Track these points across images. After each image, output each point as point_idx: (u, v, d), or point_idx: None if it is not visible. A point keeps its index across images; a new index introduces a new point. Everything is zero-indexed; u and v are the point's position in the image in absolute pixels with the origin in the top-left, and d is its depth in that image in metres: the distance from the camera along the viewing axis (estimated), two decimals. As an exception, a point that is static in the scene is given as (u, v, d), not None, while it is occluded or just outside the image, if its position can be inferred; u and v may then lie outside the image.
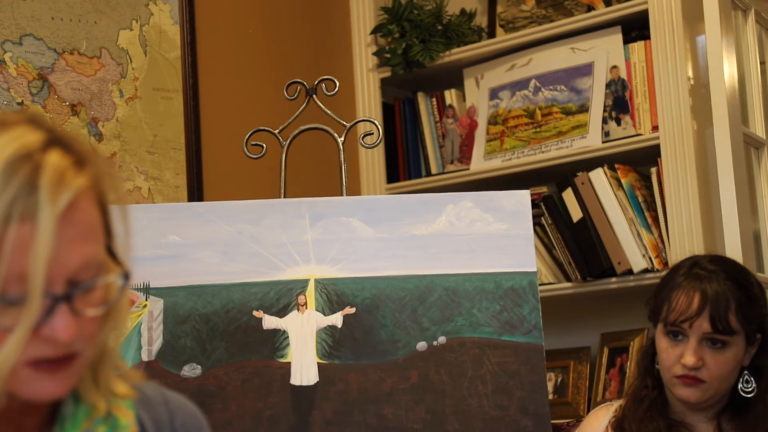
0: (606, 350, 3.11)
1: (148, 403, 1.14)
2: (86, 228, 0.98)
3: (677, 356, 1.96)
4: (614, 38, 3.11)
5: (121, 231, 1.04)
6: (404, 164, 3.47)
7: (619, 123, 3.08)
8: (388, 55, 3.39)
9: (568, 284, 3.08)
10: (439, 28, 3.39)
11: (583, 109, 3.12)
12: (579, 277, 3.04)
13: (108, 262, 1.02)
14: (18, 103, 2.53)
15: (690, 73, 2.93)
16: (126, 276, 1.03)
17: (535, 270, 2.12)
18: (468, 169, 3.31)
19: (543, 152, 3.15)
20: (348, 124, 2.33)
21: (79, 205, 0.97)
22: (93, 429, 1.06)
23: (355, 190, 3.34)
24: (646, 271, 2.95)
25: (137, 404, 1.12)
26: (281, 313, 2.07)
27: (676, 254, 2.83)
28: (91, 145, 1.02)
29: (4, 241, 0.93)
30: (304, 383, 2.04)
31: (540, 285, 2.54)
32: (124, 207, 1.04)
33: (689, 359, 1.94)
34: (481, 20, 3.48)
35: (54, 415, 1.06)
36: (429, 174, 3.42)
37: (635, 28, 3.09)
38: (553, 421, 2.22)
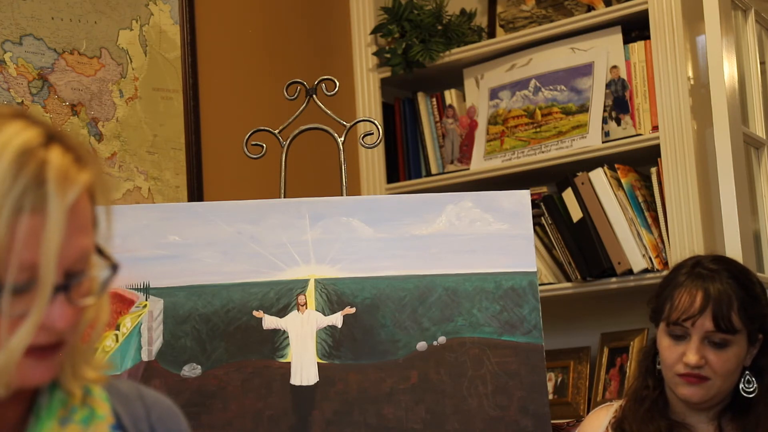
0: (606, 350, 3.11)
1: (124, 399, 1.17)
2: (84, 222, 1.02)
3: (679, 354, 1.96)
4: (614, 38, 3.11)
5: (104, 225, 1.07)
6: (404, 164, 3.47)
7: (619, 123, 3.08)
8: (388, 55, 3.39)
9: (568, 284, 3.08)
10: (439, 28, 3.39)
11: (583, 109, 3.12)
12: (579, 277, 3.04)
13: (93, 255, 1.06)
14: (18, 103, 2.53)
15: (690, 73, 2.93)
16: (114, 268, 1.06)
17: (535, 270, 2.11)
18: (468, 169, 3.31)
19: (543, 152, 3.15)
20: (348, 124, 2.33)
21: (79, 199, 1.01)
22: (69, 417, 1.08)
23: (355, 190, 3.34)
24: (646, 271, 2.95)
25: (113, 399, 1.15)
26: (281, 313, 2.07)
27: (676, 254, 2.83)
28: (82, 141, 1.06)
29: (15, 232, 0.96)
30: (304, 383, 2.04)
31: (540, 285, 2.54)
32: (110, 203, 1.08)
33: (692, 358, 1.94)
34: (481, 20, 3.48)
35: (32, 407, 1.09)
36: (429, 174, 3.42)
37: (635, 28, 3.09)
38: (553, 421, 2.22)
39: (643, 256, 2.94)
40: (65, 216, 0.98)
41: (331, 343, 2.06)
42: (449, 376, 2.05)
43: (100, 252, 1.06)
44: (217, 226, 2.09)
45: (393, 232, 2.11)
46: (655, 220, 2.98)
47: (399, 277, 2.09)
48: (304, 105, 2.35)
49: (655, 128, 2.98)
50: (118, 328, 2.02)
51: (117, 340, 2.02)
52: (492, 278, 2.10)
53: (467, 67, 3.40)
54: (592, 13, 3.14)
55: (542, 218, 3.10)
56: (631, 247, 2.95)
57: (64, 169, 1.00)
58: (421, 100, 3.46)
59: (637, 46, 3.06)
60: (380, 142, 2.35)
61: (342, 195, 2.26)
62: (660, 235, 2.96)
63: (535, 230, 2.67)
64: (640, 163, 3.05)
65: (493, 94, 3.32)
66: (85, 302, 1.03)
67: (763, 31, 3.19)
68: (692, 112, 2.91)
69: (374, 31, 3.44)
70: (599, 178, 3.00)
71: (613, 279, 3.00)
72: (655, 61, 2.97)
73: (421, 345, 2.07)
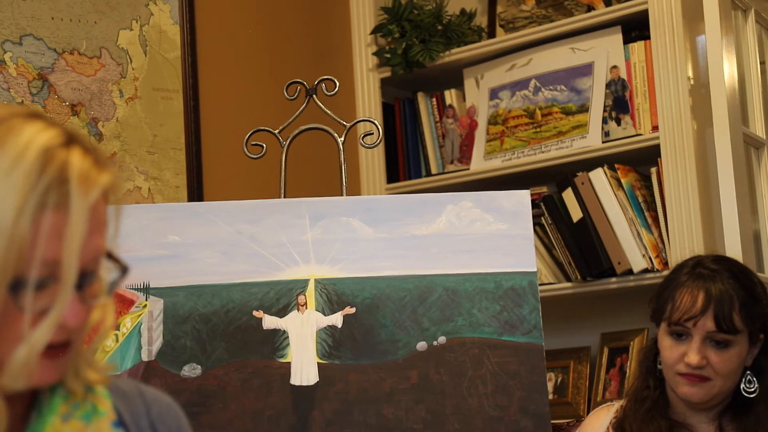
0: (606, 350, 3.11)
1: (124, 396, 1.19)
2: (100, 222, 1.05)
3: (680, 354, 1.96)
4: (614, 38, 3.11)
5: (112, 229, 1.09)
6: (404, 164, 3.47)
7: (619, 123, 3.08)
8: (388, 55, 3.39)
9: (568, 284, 3.08)
10: (439, 28, 3.39)
11: (583, 109, 3.12)
12: (579, 277, 3.04)
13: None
14: (18, 103, 2.53)
15: (690, 73, 2.93)
16: (124, 270, 1.08)
17: (535, 270, 2.11)
18: (468, 169, 3.30)
19: (543, 152, 3.15)
20: (348, 124, 2.33)
21: (98, 201, 1.04)
22: (71, 413, 1.10)
23: (355, 190, 3.34)
24: (646, 271, 2.95)
25: (114, 396, 1.16)
26: (281, 313, 2.07)
27: (676, 254, 2.83)
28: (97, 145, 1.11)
29: (39, 227, 0.98)
30: (304, 383, 2.04)
31: (540, 285, 2.54)
32: (119, 207, 1.10)
33: (693, 358, 1.94)
34: (481, 20, 3.48)
35: (33, 403, 1.10)
36: (429, 174, 3.42)
37: (635, 28, 3.09)
38: (553, 421, 2.22)
39: (643, 256, 2.94)
40: (87, 214, 1.01)
41: (331, 343, 2.06)
42: (449, 376, 2.05)
43: (109, 255, 1.08)
44: (216, 226, 2.09)
45: (393, 232, 2.11)
46: (655, 220, 2.98)
47: (399, 277, 2.09)
48: (304, 105, 2.35)
49: (655, 128, 2.98)
50: (118, 328, 2.02)
51: (117, 340, 2.02)
52: (492, 278, 2.10)
53: (467, 67, 3.40)
54: (592, 13, 3.14)
55: (542, 218, 3.10)
56: (631, 247, 2.95)
57: (86, 170, 1.02)
58: (421, 100, 3.46)
59: (637, 46, 3.06)
60: (380, 142, 2.35)
61: (342, 195, 2.26)
62: (660, 235, 2.96)
63: (535, 230, 2.67)
64: (640, 163, 3.05)
65: (493, 94, 3.32)
66: (95, 302, 1.05)
67: (763, 31, 3.19)
68: (692, 112, 2.91)
69: (374, 31, 3.44)
70: (599, 178, 3.00)
71: (613, 279, 3.00)
72: (655, 61, 2.97)
73: (421, 345, 2.07)
